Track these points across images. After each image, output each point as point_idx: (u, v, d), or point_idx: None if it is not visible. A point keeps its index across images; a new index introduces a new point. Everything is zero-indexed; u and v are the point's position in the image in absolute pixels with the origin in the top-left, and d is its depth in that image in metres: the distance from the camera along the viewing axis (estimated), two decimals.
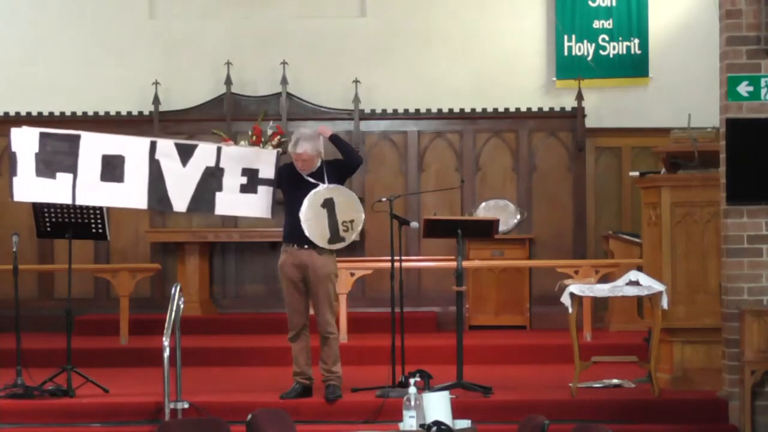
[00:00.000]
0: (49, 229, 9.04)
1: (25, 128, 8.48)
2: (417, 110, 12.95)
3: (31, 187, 8.33)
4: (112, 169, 8.41)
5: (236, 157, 8.57)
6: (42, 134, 8.40)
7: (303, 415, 8.13)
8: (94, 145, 8.43)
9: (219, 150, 8.55)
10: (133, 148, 8.48)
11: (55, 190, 8.36)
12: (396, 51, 13.06)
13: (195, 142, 8.70)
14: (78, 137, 8.45)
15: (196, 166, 8.49)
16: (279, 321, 10.33)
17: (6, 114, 12.85)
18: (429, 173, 12.96)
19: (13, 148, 8.32)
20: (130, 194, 8.46)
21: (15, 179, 8.30)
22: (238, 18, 13.21)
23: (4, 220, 12.54)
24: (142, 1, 13.25)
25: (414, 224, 9.17)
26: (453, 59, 13.02)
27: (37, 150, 8.32)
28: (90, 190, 8.39)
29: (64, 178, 8.35)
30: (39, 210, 8.98)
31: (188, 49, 13.11)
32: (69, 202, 8.45)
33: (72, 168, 8.37)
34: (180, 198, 8.50)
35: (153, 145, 8.50)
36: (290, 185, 8.48)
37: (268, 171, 8.54)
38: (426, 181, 12.91)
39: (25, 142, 8.33)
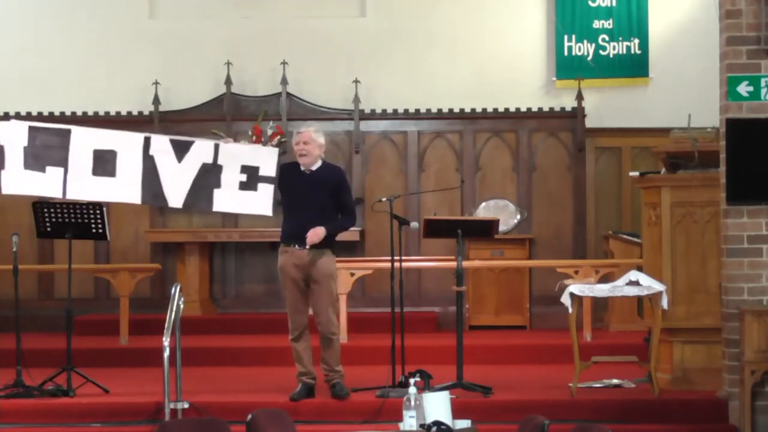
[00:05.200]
0: (49, 229, 9.03)
1: (13, 122, 8.51)
2: (417, 110, 12.95)
3: (19, 180, 8.31)
4: (104, 163, 8.36)
5: (235, 154, 8.47)
6: (31, 128, 8.39)
7: (303, 415, 8.12)
8: (85, 140, 8.40)
9: (216, 147, 8.45)
10: (125, 144, 8.42)
11: (45, 184, 8.34)
12: (396, 51, 13.07)
13: (191, 139, 8.60)
14: (68, 132, 8.43)
15: (191, 162, 8.40)
16: (279, 321, 10.33)
17: (6, 114, 12.85)
18: (429, 173, 12.96)
19: (1, 142, 8.31)
20: (123, 189, 8.40)
21: (3, 172, 8.29)
22: (238, 18, 13.21)
23: (4, 220, 12.54)
24: (142, 2, 13.26)
25: (414, 224, 9.17)
26: (453, 59, 13.02)
27: (26, 144, 8.31)
28: (81, 184, 8.35)
29: (54, 172, 8.32)
30: (39, 210, 8.98)
31: (188, 49, 13.11)
32: (59, 196, 8.41)
33: (62, 162, 8.33)
34: (175, 194, 8.43)
35: (147, 141, 8.44)
36: (290, 185, 8.45)
37: (269, 169, 8.43)
38: (426, 181, 12.91)
39: (13, 135, 8.32)
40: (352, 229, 12.04)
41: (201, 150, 8.45)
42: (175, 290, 8.15)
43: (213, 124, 12.66)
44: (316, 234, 8.23)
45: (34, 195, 8.66)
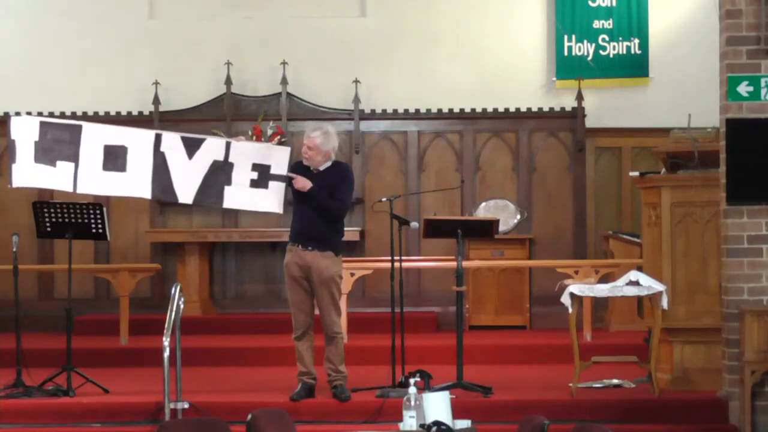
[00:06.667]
0: (49, 229, 9.02)
1: (25, 116, 8.54)
2: (417, 110, 12.95)
3: (30, 174, 8.35)
4: (114, 158, 8.40)
5: (247, 152, 8.47)
6: (42, 123, 8.44)
7: (303, 415, 8.12)
8: (95, 136, 8.44)
9: (228, 145, 8.47)
10: (136, 140, 8.46)
11: (56, 178, 8.38)
12: (396, 51, 13.07)
13: (203, 136, 8.62)
14: (79, 127, 8.48)
15: (202, 159, 8.43)
16: (279, 321, 10.36)
17: (6, 114, 12.84)
18: (429, 173, 12.96)
19: (12, 136, 8.36)
20: (133, 183, 8.43)
21: (14, 166, 8.34)
22: (238, 18, 13.22)
23: (4, 220, 12.55)
24: (142, 1, 13.26)
25: (414, 224, 9.16)
26: (453, 59, 13.02)
27: (36, 138, 8.35)
28: (91, 179, 8.39)
29: (65, 166, 8.37)
30: (39, 210, 8.98)
31: (188, 49, 13.11)
32: (70, 190, 8.44)
33: (73, 157, 8.37)
34: (186, 190, 8.45)
35: (158, 138, 8.48)
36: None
37: (280, 167, 8.42)
38: (426, 181, 12.91)
39: (24, 130, 8.36)
40: (352, 228, 12.15)
41: (212, 147, 8.47)
42: (175, 290, 8.15)
43: (213, 124, 12.65)
44: (304, 181, 8.24)
45: (46, 187, 8.72)
